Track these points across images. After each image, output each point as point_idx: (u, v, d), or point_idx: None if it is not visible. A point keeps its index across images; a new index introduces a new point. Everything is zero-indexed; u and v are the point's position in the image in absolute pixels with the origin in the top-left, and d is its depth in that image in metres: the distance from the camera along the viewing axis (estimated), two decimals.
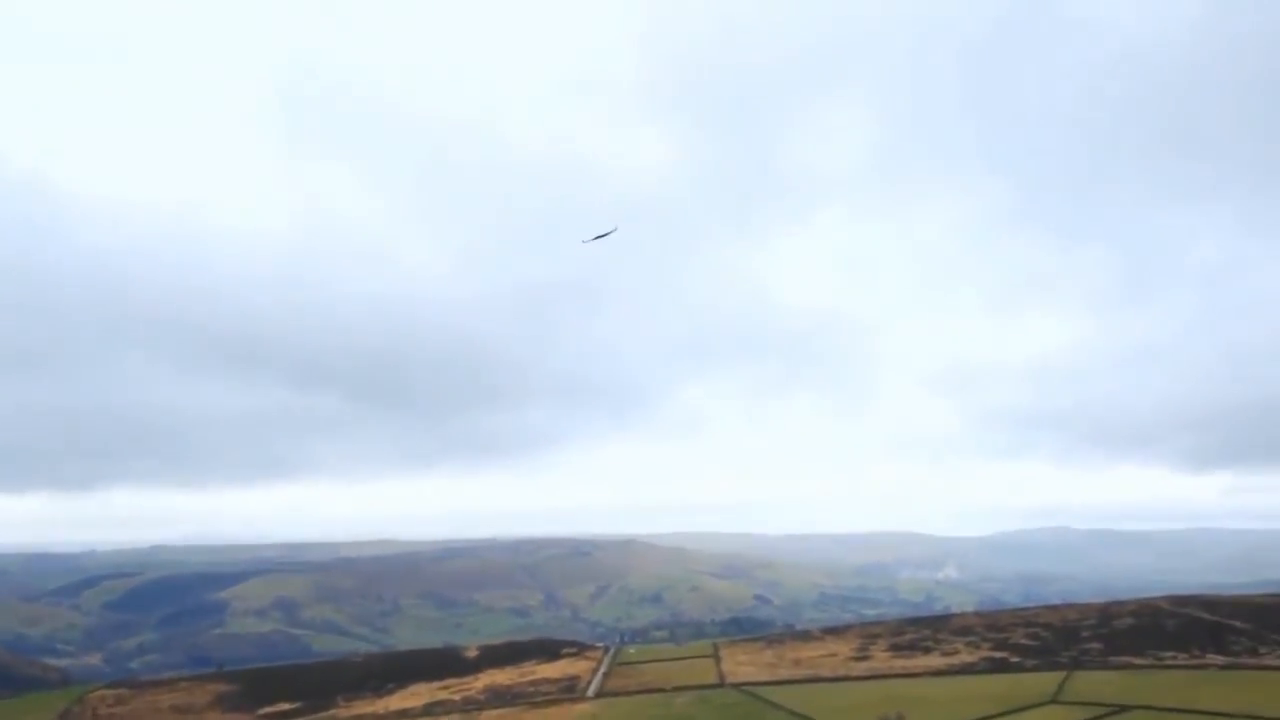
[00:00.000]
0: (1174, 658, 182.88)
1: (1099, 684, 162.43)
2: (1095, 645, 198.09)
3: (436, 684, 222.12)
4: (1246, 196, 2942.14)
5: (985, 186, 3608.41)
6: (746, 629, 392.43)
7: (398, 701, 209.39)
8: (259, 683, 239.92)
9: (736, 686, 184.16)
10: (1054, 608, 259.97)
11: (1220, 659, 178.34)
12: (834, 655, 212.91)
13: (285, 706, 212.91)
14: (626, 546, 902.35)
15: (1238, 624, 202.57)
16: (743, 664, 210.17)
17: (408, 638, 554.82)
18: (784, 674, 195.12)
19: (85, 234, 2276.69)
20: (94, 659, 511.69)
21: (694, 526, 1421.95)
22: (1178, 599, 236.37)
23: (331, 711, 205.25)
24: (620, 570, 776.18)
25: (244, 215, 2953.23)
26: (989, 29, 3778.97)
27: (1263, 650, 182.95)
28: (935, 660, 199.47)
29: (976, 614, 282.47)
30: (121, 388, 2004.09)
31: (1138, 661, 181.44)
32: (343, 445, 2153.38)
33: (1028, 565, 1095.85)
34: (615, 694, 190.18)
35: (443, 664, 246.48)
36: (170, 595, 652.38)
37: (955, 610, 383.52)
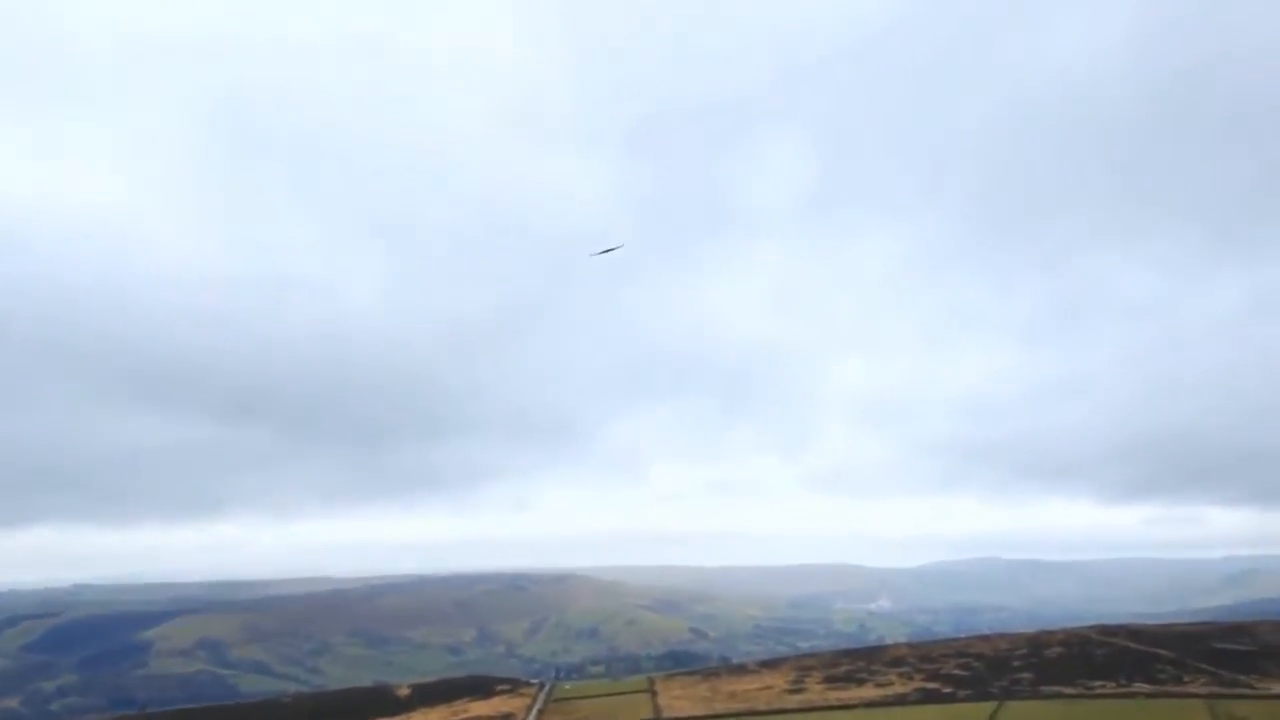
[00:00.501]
0: (1103, 686, 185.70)
1: (1030, 713, 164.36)
2: (1026, 675, 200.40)
3: None
4: (1171, 235, 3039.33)
5: (922, 222, 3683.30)
6: (683, 662, 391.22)
7: None
8: None
9: None
10: (985, 638, 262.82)
11: (1147, 687, 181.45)
12: (769, 688, 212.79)
13: None
14: (562, 581, 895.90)
15: (1163, 652, 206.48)
16: (678, 698, 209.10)
17: (338, 677, 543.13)
18: (719, 707, 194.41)
19: (4, 262, 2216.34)
20: (12, 702, 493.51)
21: (631, 560, 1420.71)
22: (1106, 629, 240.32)
23: None
24: (556, 605, 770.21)
25: (174, 245, 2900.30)
26: (928, 68, 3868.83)
27: (1187, 678, 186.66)
28: (869, 691, 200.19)
29: (909, 645, 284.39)
30: (42, 421, 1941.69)
31: (1067, 690, 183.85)
32: (273, 480, 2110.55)
33: (958, 596, 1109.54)
34: None
35: (373, 703, 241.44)
36: (92, 636, 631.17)
37: (888, 641, 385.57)
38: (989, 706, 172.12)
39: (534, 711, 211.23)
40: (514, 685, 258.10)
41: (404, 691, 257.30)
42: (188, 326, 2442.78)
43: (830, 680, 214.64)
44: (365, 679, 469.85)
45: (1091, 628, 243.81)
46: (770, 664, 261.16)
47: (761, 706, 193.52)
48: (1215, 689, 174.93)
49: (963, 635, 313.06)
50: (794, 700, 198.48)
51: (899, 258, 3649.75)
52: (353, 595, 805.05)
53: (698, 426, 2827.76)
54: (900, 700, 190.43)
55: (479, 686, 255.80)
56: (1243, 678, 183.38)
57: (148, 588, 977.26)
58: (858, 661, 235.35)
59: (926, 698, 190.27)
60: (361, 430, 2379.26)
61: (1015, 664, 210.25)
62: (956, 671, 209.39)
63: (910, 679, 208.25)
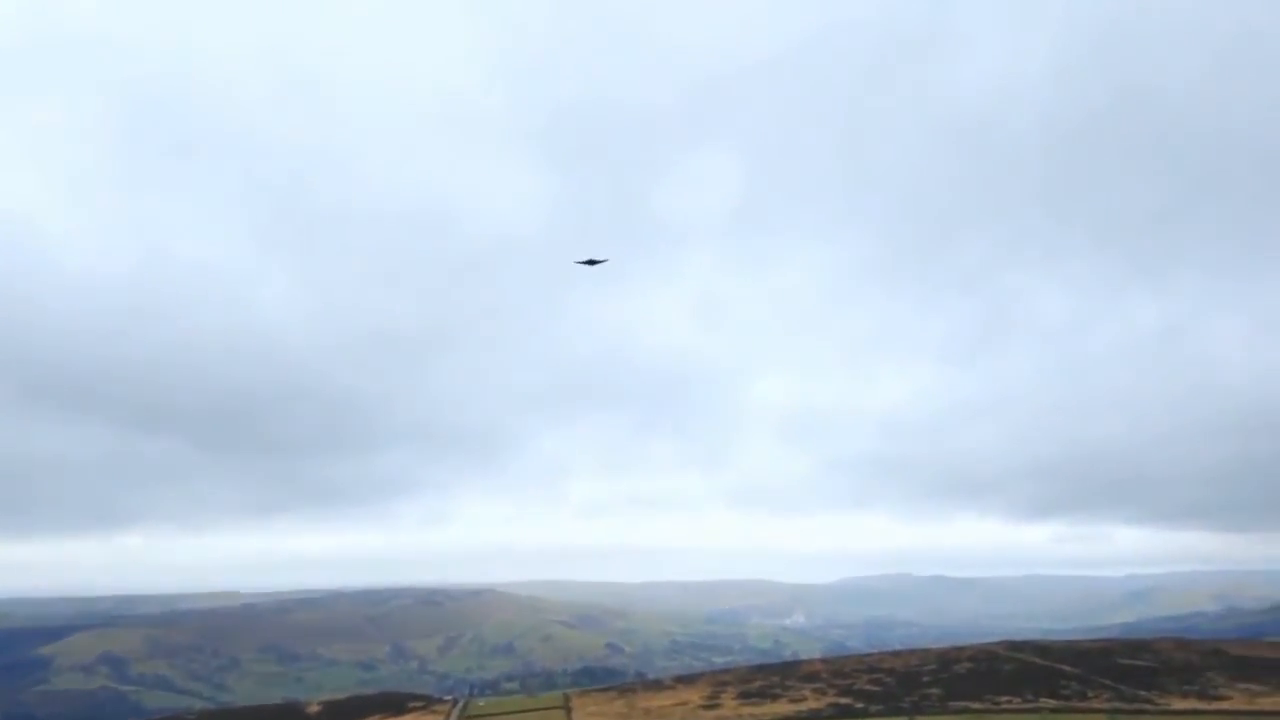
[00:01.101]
0: (1009, 701, 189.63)
1: None
2: (935, 690, 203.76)
3: None
4: (1087, 258, 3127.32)
5: (847, 239, 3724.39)
6: (599, 678, 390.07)
7: None
8: None
9: None
10: (897, 654, 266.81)
11: (1052, 702, 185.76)
12: (684, 703, 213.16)
13: None
14: (478, 596, 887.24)
15: (1068, 668, 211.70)
16: (593, 714, 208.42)
17: (246, 694, 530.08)
18: None
19: None
20: None
21: (548, 575, 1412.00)
22: (1013, 644, 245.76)
23: None
24: (471, 620, 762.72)
25: (78, 248, 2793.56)
26: (859, 86, 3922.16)
27: (1090, 694, 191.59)
28: (783, 707, 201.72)
29: (823, 660, 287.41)
30: None
31: (975, 706, 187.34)
32: (180, 492, 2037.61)
33: (871, 611, 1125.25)
34: None
35: None
36: None
37: (802, 657, 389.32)
38: None
39: None
40: (427, 702, 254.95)
41: (314, 709, 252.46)
42: (93, 332, 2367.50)
43: (745, 696, 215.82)
44: (274, 696, 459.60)
45: (999, 644, 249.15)
46: (686, 680, 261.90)
47: None
48: (1118, 704, 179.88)
49: (875, 651, 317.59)
50: (709, 716, 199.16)
51: (823, 275, 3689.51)
52: (263, 610, 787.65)
53: (619, 441, 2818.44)
54: (814, 716, 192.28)
55: (391, 703, 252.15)
56: (1144, 694, 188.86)
57: (48, 601, 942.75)
58: (772, 677, 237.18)
59: (839, 713, 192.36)
60: (274, 442, 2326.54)
61: (925, 679, 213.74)
62: (868, 687, 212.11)
63: (823, 694, 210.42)
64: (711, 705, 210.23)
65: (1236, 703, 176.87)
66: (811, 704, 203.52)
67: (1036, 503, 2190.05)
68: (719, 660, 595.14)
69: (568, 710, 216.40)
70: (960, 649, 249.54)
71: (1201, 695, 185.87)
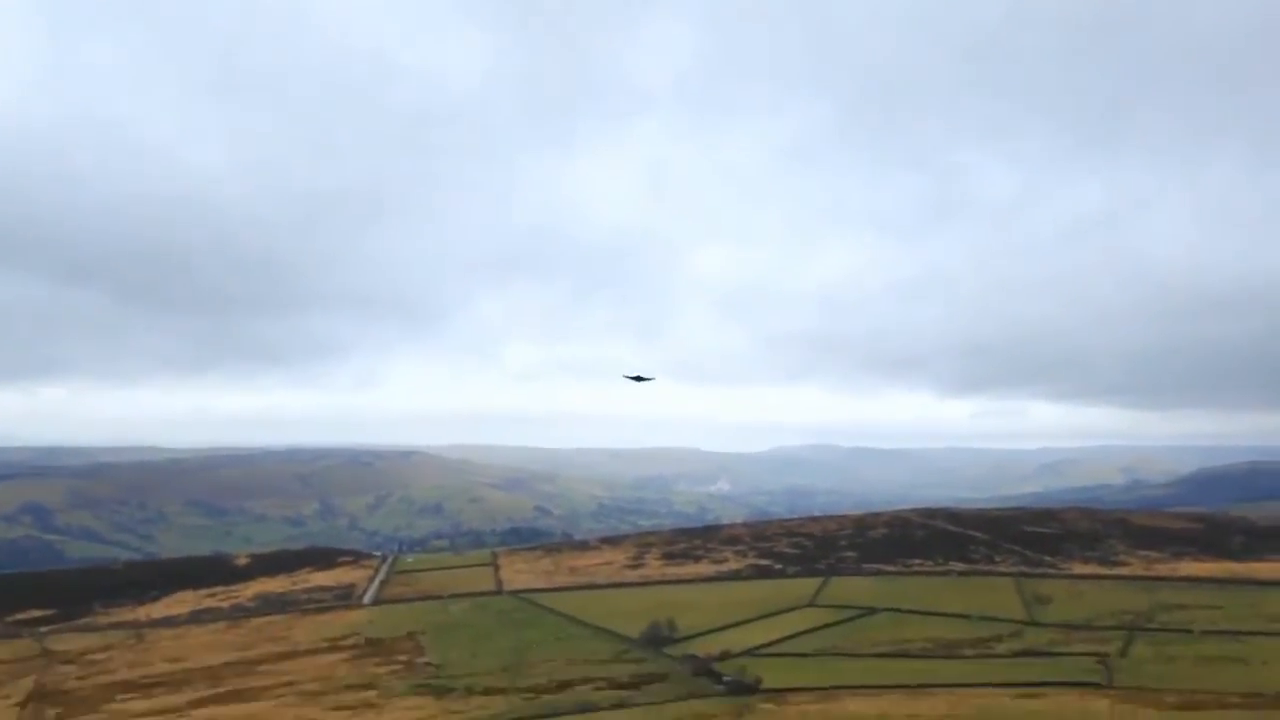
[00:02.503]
0: (921, 564, 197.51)
1: (853, 589, 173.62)
2: (851, 553, 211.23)
3: (203, 591, 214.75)
4: (1036, 135, 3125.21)
5: (804, 108, 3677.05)
6: (526, 539, 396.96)
7: (161, 609, 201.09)
8: (7, 588, 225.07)
9: (514, 593, 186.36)
10: (815, 519, 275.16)
11: (961, 566, 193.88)
12: (610, 564, 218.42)
13: (36, 614, 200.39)
14: (408, 458, 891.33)
15: (978, 534, 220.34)
16: (521, 572, 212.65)
17: (173, 546, 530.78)
18: (561, 581, 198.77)
19: None
20: None
21: (478, 439, 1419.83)
22: (926, 511, 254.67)
23: (87, 619, 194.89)
24: (401, 481, 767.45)
25: (4, 96, 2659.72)
26: None
27: (997, 558, 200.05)
28: (705, 568, 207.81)
29: (745, 525, 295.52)
30: None
31: (888, 569, 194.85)
32: (107, 345, 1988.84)
33: (795, 480, 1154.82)
34: (392, 601, 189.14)
35: (210, 572, 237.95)
36: None
37: (725, 522, 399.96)
38: (815, 582, 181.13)
39: (376, 582, 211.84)
40: (356, 557, 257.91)
41: (243, 560, 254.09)
42: (22, 182, 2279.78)
43: (669, 557, 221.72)
44: (202, 549, 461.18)
45: (913, 511, 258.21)
46: (611, 541, 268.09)
47: (601, 581, 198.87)
48: (1023, 569, 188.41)
49: (796, 517, 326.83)
50: (633, 575, 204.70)
51: (772, 147, 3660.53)
52: (189, 465, 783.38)
53: (555, 309, 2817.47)
54: (734, 576, 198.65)
55: (321, 557, 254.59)
56: (1048, 559, 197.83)
57: None
58: (695, 540, 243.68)
59: (759, 574, 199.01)
60: (206, 299, 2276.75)
61: (842, 543, 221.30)
62: (787, 550, 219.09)
63: (744, 556, 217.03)
64: (636, 565, 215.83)
65: (1135, 568, 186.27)
66: (733, 565, 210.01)
67: (964, 379, 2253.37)
68: (645, 524, 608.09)
69: (496, 568, 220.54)
70: (876, 515, 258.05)
71: (1103, 561, 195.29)
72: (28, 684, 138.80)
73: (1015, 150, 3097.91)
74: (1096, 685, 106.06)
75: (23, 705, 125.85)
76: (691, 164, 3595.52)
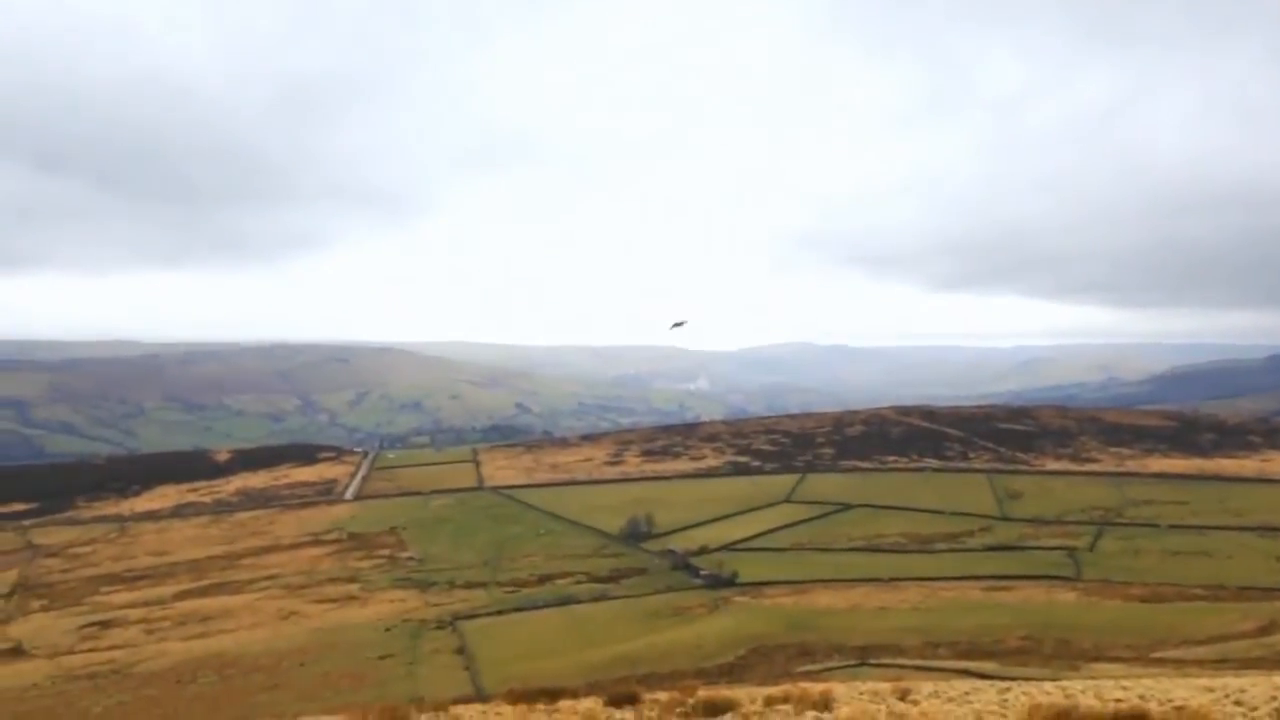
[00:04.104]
0: (896, 461, 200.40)
1: (829, 485, 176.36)
2: (828, 450, 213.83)
3: (185, 486, 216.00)
4: (1047, 23, 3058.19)
5: None
6: (506, 436, 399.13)
7: (144, 503, 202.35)
8: None
9: (495, 489, 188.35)
10: (793, 416, 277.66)
11: (936, 462, 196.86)
12: (589, 460, 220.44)
13: (19, 507, 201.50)
14: (386, 354, 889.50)
15: (952, 431, 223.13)
16: (502, 468, 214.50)
17: (153, 441, 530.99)
18: (541, 477, 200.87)
19: None
20: None
21: (455, 336, 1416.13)
22: (902, 409, 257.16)
23: (70, 513, 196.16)
24: (380, 378, 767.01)
25: None
26: None
27: (971, 455, 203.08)
28: (683, 464, 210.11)
29: (724, 422, 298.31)
30: None
31: (864, 465, 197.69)
32: (79, 236, 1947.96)
33: (774, 379, 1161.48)
34: (374, 496, 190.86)
35: (191, 467, 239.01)
36: None
37: (704, 419, 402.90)
38: (792, 479, 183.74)
39: (358, 478, 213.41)
40: (338, 453, 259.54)
41: (224, 456, 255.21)
42: None
43: (648, 454, 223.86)
44: (183, 444, 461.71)
45: (889, 408, 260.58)
46: (591, 438, 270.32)
47: (582, 477, 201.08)
48: (996, 465, 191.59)
49: (773, 415, 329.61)
50: (613, 471, 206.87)
51: (777, 31, 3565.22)
52: (167, 360, 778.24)
53: (535, 205, 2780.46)
54: (712, 473, 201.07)
55: (301, 453, 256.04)
56: (1021, 455, 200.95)
57: None
58: (674, 437, 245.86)
59: (737, 470, 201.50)
60: (181, 189, 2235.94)
61: (819, 441, 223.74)
62: (765, 447, 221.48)
63: (723, 453, 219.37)
64: (615, 462, 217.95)
65: (1106, 465, 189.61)
66: (711, 462, 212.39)
67: (946, 278, 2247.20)
68: (624, 421, 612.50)
69: (476, 464, 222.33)
70: (853, 413, 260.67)
71: (1075, 458, 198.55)
72: (12, 576, 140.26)
73: (1022, 35, 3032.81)
74: (1065, 578, 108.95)
75: (8, 597, 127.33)
76: (688, 50, 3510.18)
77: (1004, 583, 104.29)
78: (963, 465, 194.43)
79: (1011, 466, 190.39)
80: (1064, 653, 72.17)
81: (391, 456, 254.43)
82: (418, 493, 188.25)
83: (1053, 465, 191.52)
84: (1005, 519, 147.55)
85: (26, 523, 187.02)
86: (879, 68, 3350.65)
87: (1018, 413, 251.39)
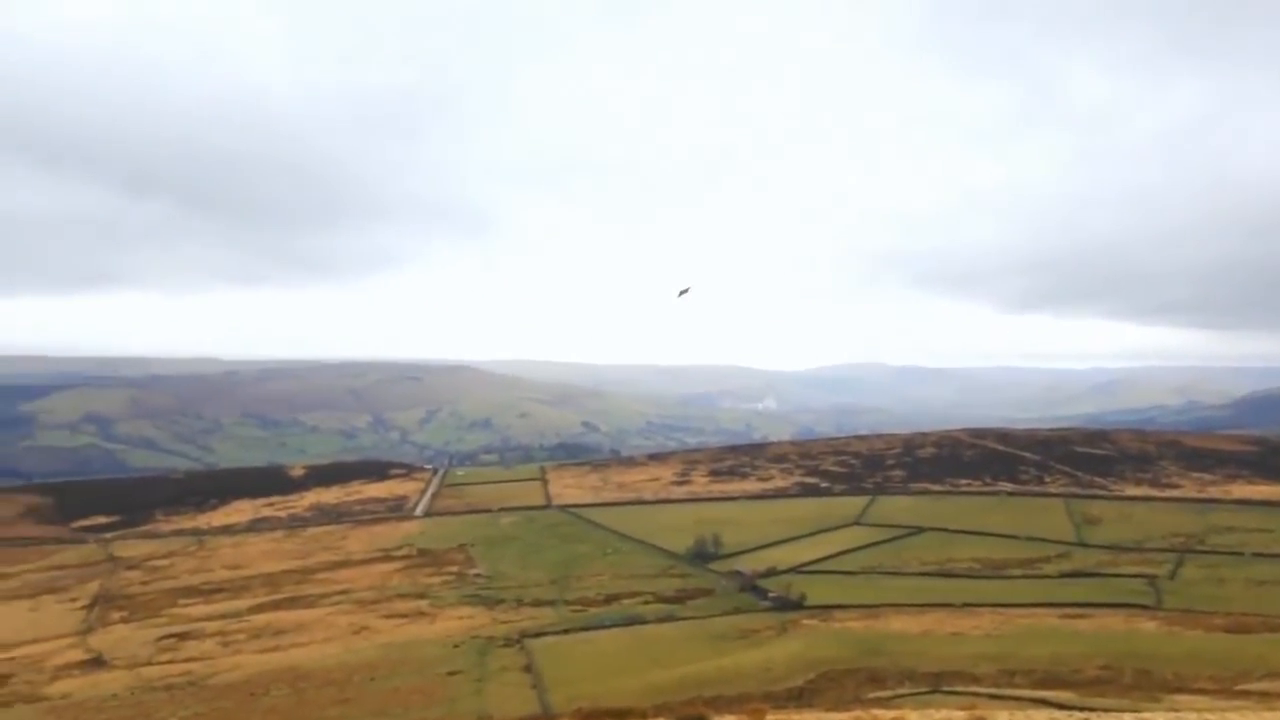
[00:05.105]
0: (969, 485, 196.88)
1: (899, 508, 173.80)
2: (899, 472, 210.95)
3: (261, 501, 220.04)
4: (1130, 36, 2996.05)
5: (886, 6, 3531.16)
6: (574, 454, 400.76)
7: (221, 517, 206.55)
8: (73, 495, 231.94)
9: (562, 508, 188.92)
10: (863, 438, 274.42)
11: (1010, 486, 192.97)
12: (656, 480, 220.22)
13: (101, 520, 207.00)
14: (457, 372, 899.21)
15: (1028, 455, 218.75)
16: (569, 487, 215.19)
17: (230, 456, 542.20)
18: (608, 496, 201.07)
19: None
20: None
21: (525, 354, 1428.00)
22: (975, 431, 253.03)
23: (150, 526, 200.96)
24: (450, 395, 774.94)
25: (66, 7, 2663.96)
26: None
27: (1047, 479, 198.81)
28: (751, 485, 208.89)
29: (792, 442, 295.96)
30: None
31: (935, 488, 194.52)
32: (162, 255, 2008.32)
33: (842, 398, 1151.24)
34: (443, 513, 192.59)
35: (267, 482, 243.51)
36: None
37: (772, 439, 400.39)
38: (862, 501, 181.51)
39: (427, 495, 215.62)
40: (408, 470, 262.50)
41: (299, 472, 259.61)
42: (79, 94, 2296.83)
43: (715, 474, 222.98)
44: (258, 459, 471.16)
45: (962, 430, 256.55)
46: (658, 457, 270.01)
47: (649, 496, 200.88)
48: (1073, 490, 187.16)
49: (842, 435, 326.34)
50: (680, 491, 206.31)
51: (857, 46, 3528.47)
52: (244, 377, 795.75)
53: (606, 221, 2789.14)
54: (780, 493, 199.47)
55: (373, 470, 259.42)
56: (1099, 480, 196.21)
57: (29, 360, 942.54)
58: (742, 457, 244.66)
59: (805, 492, 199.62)
60: (259, 208, 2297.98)
61: (889, 462, 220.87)
62: (834, 468, 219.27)
63: (791, 474, 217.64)
64: (682, 481, 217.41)
65: (1187, 490, 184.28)
66: (779, 483, 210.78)
67: (1022, 297, 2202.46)
68: (691, 441, 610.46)
69: (544, 482, 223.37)
70: (924, 435, 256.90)
71: (1154, 483, 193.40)
72: (94, 588, 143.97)
73: (1109, 49, 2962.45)
74: (1145, 607, 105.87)
75: (89, 608, 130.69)
76: (760, 68, 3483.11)
77: (1081, 610, 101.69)
78: (1038, 490, 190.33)
79: (1089, 491, 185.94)
80: (1144, 683, 70.12)
81: (460, 474, 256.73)
82: (486, 510, 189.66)
83: (1132, 490, 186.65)
84: (1082, 545, 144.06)
85: (108, 535, 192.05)
86: (962, 82, 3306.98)
87: (1095, 436, 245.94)
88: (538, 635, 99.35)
